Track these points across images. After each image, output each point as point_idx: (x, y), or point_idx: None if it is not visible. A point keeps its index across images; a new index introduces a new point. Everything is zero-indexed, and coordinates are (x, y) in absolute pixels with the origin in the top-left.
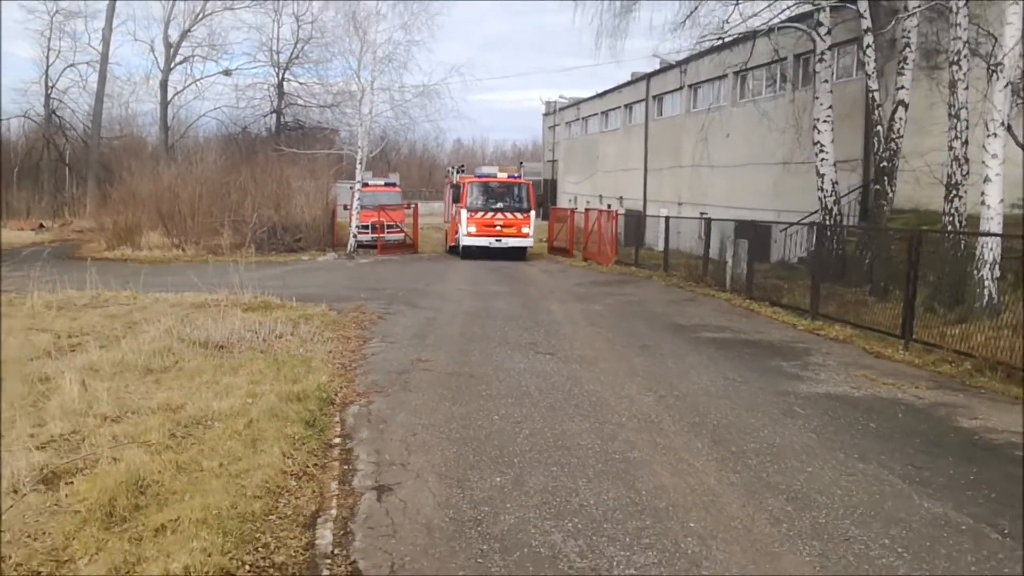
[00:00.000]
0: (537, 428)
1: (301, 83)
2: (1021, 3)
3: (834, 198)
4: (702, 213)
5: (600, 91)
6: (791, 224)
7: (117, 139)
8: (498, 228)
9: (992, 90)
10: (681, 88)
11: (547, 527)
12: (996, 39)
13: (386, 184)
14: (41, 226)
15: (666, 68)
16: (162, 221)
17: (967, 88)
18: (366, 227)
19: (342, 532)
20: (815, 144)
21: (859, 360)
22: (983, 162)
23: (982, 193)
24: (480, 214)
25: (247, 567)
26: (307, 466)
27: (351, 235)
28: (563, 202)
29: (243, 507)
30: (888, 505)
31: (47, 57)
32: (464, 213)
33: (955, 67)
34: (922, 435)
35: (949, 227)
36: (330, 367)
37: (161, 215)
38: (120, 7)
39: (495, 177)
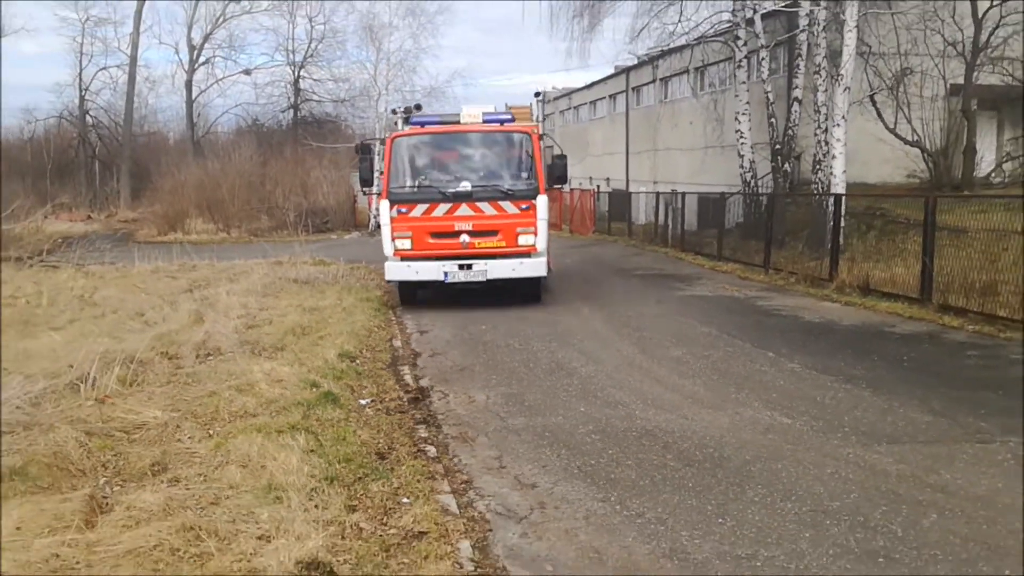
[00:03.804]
0: (509, 310)
1: (316, 79)
2: (854, 32)
3: (752, 174)
4: (672, 190)
5: (589, 83)
6: (714, 195)
7: (143, 136)
8: (463, 239)
9: (835, 92)
10: (654, 81)
11: (507, 339)
12: (839, 55)
13: None
14: (89, 217)
15: (642, 63)
16: (207, 208)
17: (826, 91)
18: None
19: (405, 342)
20: (736, 132)
21: (729, 281)
22: (832, 144)
23: (831, 166)
24: (420, 210)
25: (366, 349)
26: (381, 324)
27: (371, 216)
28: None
29: (357, 331)
30: (683, 330)
31: (80, 61)
32: (386, 209)
33: (816, 75)
34: (728, 308)
35: (815, 192)
36: (381, 291)
37: (206, 203)
38: (146, 12)
39: (456, 124)
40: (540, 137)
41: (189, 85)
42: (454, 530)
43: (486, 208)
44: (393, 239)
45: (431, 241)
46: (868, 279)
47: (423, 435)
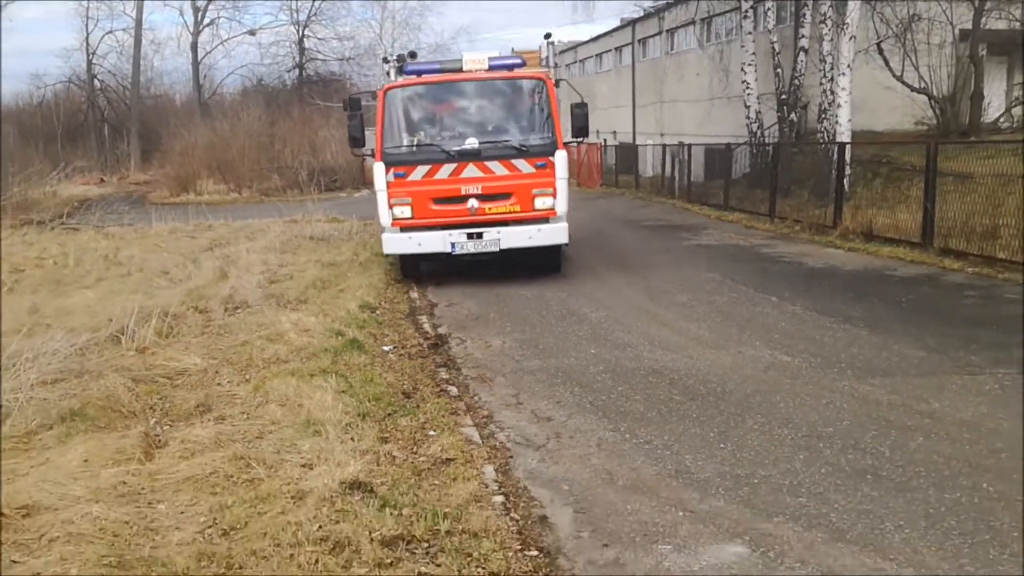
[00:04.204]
0: (525, 269)
1: (320, 39)
2: None
3: (758, 124)
4: (679, 142)
5: (594, 36)
6: (720, 146)
7: (150, 99)
8: (472, 204)
9: (840, 42)
10: (660, 33)
11: (519, 289)
12: (845, 3)
13: None
14: (102, 180)
15: (648, 15)
16: (218, 169)
17: (831, 40)
18: None
19: (422, 293)
20: (743, 83)
21: (735, 230)
22: (837, 93)
23: (836, 115)
24: (420, 172)
25: (384, 301)
26: (397, 277)
27: None
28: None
29: (375, 284)
30: (688, 278)
31: (86, 25)
32: (381, 172)
33: (822, 25)
34: (733, 256)
35: (821, 141)
36: None
37: (217, 164)
38: None
39: (458, 72)
40: (556, 84)
41: (195, 47)
42: (478, 457)
43: (496, 168)
44: (391, 207)
45: (434, 208)
46: (872, 225)
47: (444, 377)
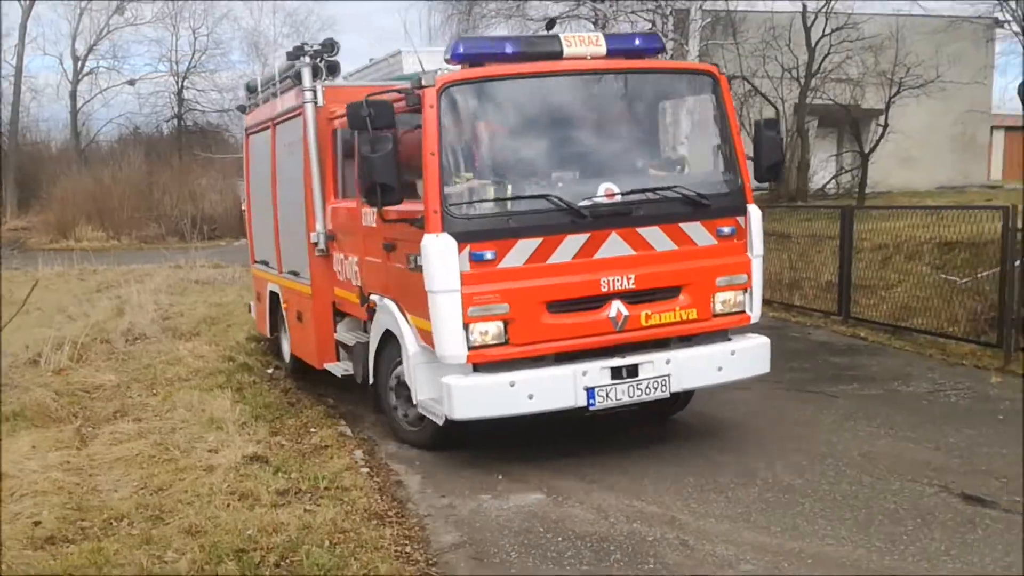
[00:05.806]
0: None
1: (199, 90)
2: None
3: None
4: None
5: None
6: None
7: (27, 146)
8: (616, 310)
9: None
10: None
11: None
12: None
13: None
14: None
15: None
16: (98, 216)
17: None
18: None
19: None
20: None
21: None
22: None
23: None
24: (524, 250)
25: None
26: None
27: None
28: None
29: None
30: None
31: None
32: (451, 252)
33: None
34: None
35: None
36: None
37: (97, 211)
38: (30, 24)
39: (556, 60)
40: (723, 74)
41: (73, 95)
42: (350, 444)
43: (656, 239)
44: (467, 321)
45: (550, 320)
46: None
47: (323, 391)
